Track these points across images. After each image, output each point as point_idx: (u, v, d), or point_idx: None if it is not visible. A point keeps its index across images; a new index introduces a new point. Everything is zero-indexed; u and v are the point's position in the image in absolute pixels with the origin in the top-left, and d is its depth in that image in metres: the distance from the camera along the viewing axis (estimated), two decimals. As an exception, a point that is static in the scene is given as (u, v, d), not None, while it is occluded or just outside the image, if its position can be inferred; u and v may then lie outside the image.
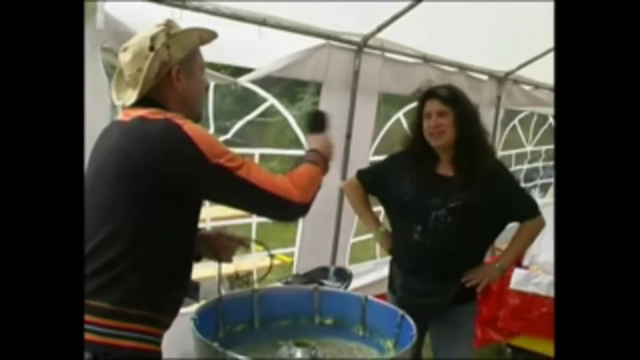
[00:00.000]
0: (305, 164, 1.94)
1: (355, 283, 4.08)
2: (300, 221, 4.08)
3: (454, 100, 2.74)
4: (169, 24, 1.84)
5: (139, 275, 1.68)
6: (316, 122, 2.16)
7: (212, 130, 3.76)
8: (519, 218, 2.88)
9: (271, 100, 4.07)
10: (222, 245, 2.08)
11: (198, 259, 2.05)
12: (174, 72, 1.81)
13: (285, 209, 1.81)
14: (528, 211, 2.85)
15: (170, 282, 1.79)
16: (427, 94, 2.79)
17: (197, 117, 1.94)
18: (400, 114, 5.01)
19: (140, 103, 1.80)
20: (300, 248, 4.13)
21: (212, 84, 3.61)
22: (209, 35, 1.89)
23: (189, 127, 1.70)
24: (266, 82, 3.80)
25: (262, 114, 4.45)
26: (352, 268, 4.24)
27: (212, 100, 3.77)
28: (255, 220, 4.17)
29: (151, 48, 1.77)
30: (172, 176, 1.68)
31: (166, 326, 1.83)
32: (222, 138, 3.74)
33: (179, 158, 1.67)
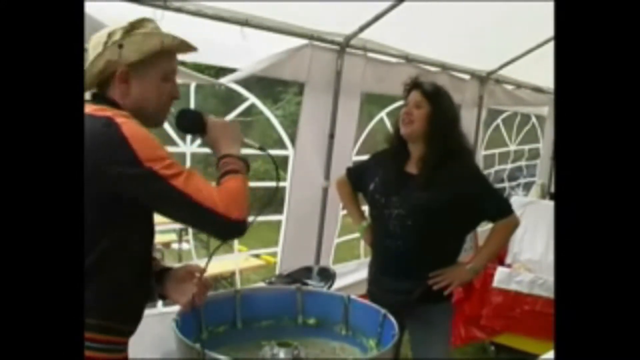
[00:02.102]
0: (230, 177, 1.71)
1: (339, 282, 4.10)
2: (284, 221, 4.09)
3: (434, 96, 2.74)
4: (135, 23, 1.74)
5: (91, 283, 1.58)
6: (194, 122, 1.88)
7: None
8: (491, 217, 2.86)
9: (252, 100, 4.06)
10: (186, 289, 1.91)
11: (162, 298, 1.97)
12: (118, 73, 1.71)
13: (224, 227, 1.64)
14: (500, 211, 2.80)
15: (126, 289, 1.71)
16: (412, 85, 2.80)
17: (156, 124, 1.83)
18: (383, 114, 5.03)
19: (96, 99, 1.73)
20: (284, 248, 4.13)
21: (194, 85, 3.60)
22: (172, 42, 1.75)
23: (129, 126, 1.60)
24: (249, 82, 3.80)
25: (245, 114, 4.44)
26: (336, 268, 4.27)
27: (194, 101, 3.75)
28: None
29: (105, 44, 1.70)
30: (108, 178, 1.59)
31: (127, 333, 1.77)
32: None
33: (112, 159, 1.57)
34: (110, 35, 1.70)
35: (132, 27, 1.72)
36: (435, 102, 2.73)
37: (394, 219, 2.68)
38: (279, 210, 4.09)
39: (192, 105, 3.70)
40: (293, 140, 4.08)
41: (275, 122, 4.26)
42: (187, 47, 1.79)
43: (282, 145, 4.13)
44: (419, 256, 2.69)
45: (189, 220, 1.71)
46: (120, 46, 1.69)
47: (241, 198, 1.66)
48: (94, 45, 1.72)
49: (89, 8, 2.57)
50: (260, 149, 1.95)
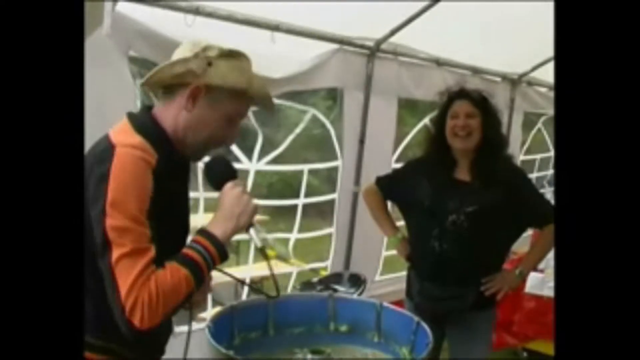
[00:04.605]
0: (177, 267, 1.52)
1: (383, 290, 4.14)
2: (334, 236, 4.15)
3: (484, 104, 2.74)
4: (233, 52, 1.65)
5: (92, 303, 1.50)
6: (214, 176, 1.73)
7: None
8: (538, 224, 2.86)
9: (312, 111, 4.03)
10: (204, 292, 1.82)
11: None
12: (192, 87, 1.61)
13: (123, 324, 1.46)
14: (546, 217, 2.73)
15: None
16: (457, 94, 2.77)
17: (191, 156, 1.75)
18: (426, 120, 4.94)
19: (139, 114, 1.68)
20: (334, 262, 4.17)
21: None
22: (258, 91, 1.69)
23: (122, 160, 1.49)
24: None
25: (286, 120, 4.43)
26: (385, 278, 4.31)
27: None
28: (294, 236, 4.18)
29: (197, 54, 1.61)
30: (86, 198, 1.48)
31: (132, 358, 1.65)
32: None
33: (90, 182, 1.48)
34: (205, 48, 1.62)
35: (229, 54, 1.64)
36: (486, 109, 2.73)
37: (449, 226, 2.67)
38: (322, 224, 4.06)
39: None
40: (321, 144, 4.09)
41: (332, 131, 4.10)
42: (267, 104, 1.75)
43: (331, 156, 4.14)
44: (472, 262, 2.70)
45: (109, 295, 1.49)
46: (210, 64, 1.61)
47: (160, 304, 1.46)
48: (185, 48, 1.65)
49: (122, 7, 2.59)
50: (262, 250, 1.76)
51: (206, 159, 1.83)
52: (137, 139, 1.58)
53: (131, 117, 1.66)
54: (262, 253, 1.77)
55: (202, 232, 1.61)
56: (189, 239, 1.67)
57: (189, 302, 1.65)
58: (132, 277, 1.45)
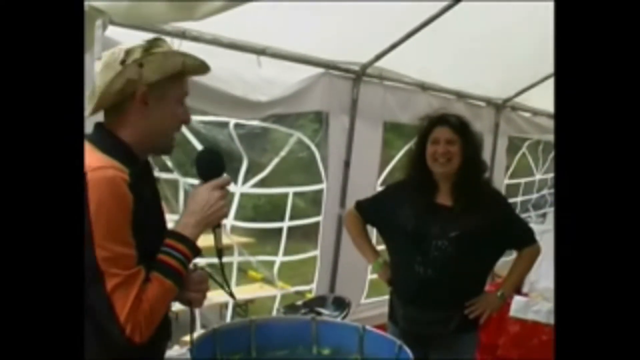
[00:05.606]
0: (158, 278, 1.60)
1: (368, 313, 4.14)
2: (319, 258, 4.16)
3: (463, 129, 2.77)
4: (153, 43, 1.67)
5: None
6: (205, 169, 1.78)
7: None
8: (517, 246, 2.91)
9: (297, 135, 4.06)
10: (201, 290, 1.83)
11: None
12: (139, 94, 1.62)
13: (122, 342, 1.51)
14: (525, 239, 2.88)
15: None
16: (438, 121, 2.80)
17: (163, 150, 1.81)
18: (412, 143, 4.96)
19: (95, 132, 1.67)
20: (319, 284, 4.17)
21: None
22: (193, 63, 1.69)
23: (97, 187, 1.47)
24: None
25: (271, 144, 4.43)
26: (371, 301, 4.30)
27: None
28: (279, 259, 4.18)
29: (123, 62, 1.61)
30: None
31: None
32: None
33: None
34: (128, 53, 1.62)
35: (151, 46, 1.66)
36: (466, 135, 2.76)
37: (432, 250, 2.68)
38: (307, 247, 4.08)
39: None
40: (307, 167, 4.10)
41: (317, 154, 4.13)
42: (206, 68, 1.75)
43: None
44: (456, 286, 2.72)
45: (97, 314, 1.51)
46: (141, 65, 1.61)
47: (155, 318, 1.58)
48: (108, 63, 1.64)
49: (109, 31, 2.60)
50: (219, 251, 1.83)
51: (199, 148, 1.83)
52: (103, 158, 1.57)
53: (87, 137, 1.61)
54: (219, 254, 1.84)
55: (177, 235, 1.67)
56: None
57: (188, 301, 1.79)
58: (129, 304, 1.51)
